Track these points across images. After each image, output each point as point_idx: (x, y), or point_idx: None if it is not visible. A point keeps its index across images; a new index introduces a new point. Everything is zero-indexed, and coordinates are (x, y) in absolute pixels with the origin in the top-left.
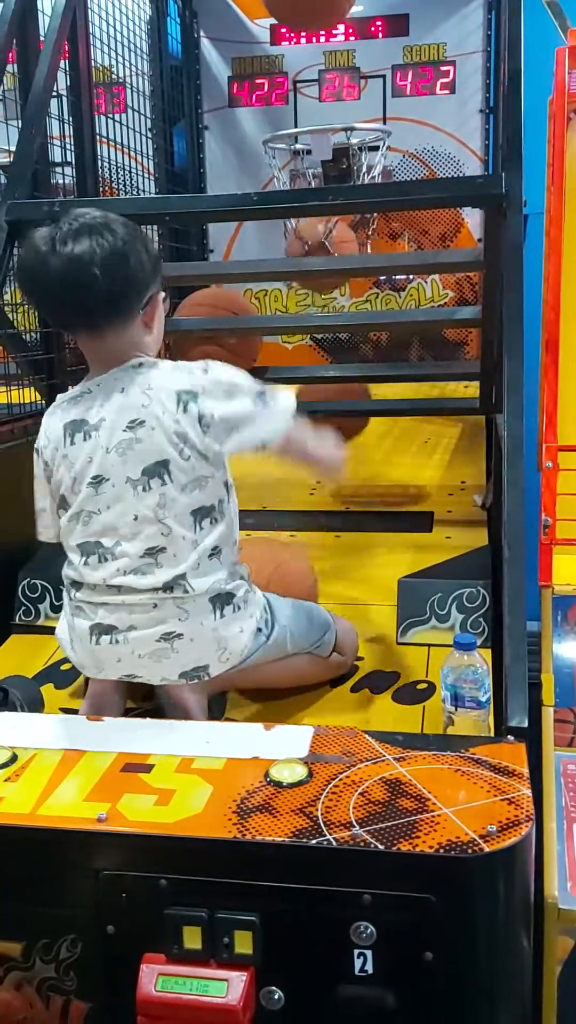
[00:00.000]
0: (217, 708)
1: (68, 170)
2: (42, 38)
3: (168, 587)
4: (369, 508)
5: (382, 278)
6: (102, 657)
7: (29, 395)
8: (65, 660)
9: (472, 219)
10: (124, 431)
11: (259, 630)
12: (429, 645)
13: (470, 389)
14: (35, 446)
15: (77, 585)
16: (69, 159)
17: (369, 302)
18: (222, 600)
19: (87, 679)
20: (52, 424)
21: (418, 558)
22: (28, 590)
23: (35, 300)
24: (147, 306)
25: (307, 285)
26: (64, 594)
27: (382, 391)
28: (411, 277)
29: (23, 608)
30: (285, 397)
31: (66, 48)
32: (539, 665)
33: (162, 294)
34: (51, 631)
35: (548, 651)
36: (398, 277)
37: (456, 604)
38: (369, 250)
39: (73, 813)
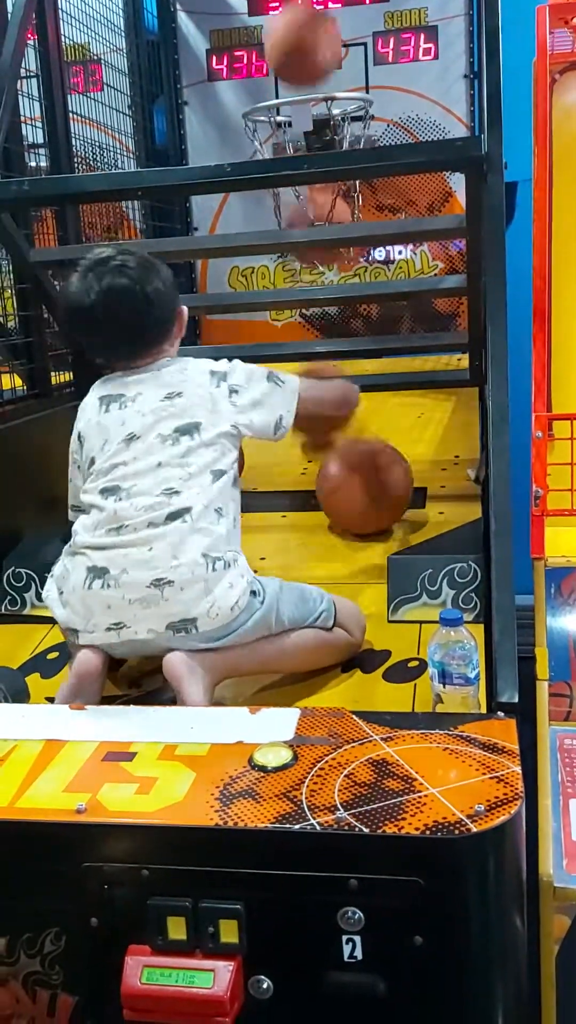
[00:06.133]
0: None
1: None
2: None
3: (171, 517)
4: None
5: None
6: (92, 604)
7: (7, 381)
8: (51, 649)
9: (462, 188)
10: (162, 400)
11: (253, 593)
12: (420, 622)
13: (463, 362)
14: (75, 428)
15: (84, 528)
16: None
17: (358, 276)
18: (213, 556)
19: (69, 666)
20: (89, 401)
21: (411, 534)
22: (13, 579)
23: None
24: (176, 322)
25: (303, 258)
26: (64, 548)
27: (373, 366)
28: (391, 257)
29: (8, 598)
30: (292, 379)
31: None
32: (533, 639)
33: (184, 308)
34: (37, 620)
35: (542, 624)
36: (378, 252)
37: (447, 580)
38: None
39: (52, 805)
